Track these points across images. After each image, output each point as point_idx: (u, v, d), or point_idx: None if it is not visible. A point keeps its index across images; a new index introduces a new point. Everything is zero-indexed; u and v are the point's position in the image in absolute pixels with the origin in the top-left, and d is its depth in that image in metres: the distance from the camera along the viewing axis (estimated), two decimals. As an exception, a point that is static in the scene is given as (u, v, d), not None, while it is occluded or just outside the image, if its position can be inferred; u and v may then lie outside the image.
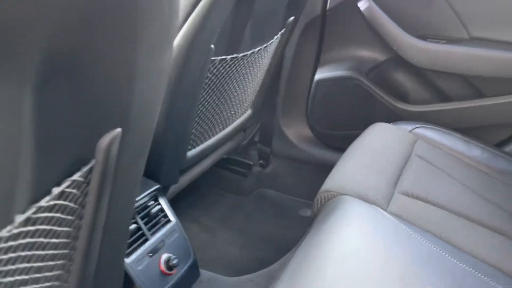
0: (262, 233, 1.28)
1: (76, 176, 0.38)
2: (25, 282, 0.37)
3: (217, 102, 0.89)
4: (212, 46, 0.72)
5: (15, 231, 0.33)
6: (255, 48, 0.92)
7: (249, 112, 1.17)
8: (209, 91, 0.83)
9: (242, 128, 1.19)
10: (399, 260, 0.60)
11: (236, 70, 0.89)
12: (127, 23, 0.32)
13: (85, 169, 0.38)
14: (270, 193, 1.46)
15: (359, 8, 1.17)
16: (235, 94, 0.96)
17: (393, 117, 1.22)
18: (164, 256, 0.70)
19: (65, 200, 0.38)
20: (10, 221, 0.32)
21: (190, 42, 0.67)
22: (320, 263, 0.59)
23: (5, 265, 0.33)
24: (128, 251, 0.66)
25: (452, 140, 1.03)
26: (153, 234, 0.71)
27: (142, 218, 0.70)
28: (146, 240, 0.70)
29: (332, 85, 1.29)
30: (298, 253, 0.66)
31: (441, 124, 1.10)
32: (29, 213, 0.33)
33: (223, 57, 0.80)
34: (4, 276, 0.34)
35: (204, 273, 0.98)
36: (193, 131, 0.86)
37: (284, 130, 1.39)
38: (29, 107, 0.29)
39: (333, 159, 0.96)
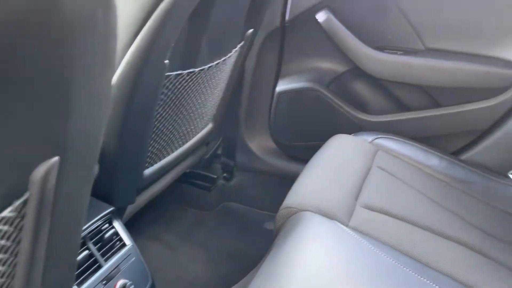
0: (226, 249, 1.25)
1: (7, 212, 0.34)
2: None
3: (174, 117, 0.86)
4: (166, 61, 0.70)
5: None
6: (213, 62, 0.90)
7: (210, 125, 1.14)
8: (166, 107, 0.80)
9: (203, 142, 1.16)
10: (360, 277, 0.59)
11: (194, 85, 0.87)
12: (58, 47, 0.29)
13: (18, 203, 0.35)
14: (235, 207, 1.44)
15: (317, 20, 1.17)
16: (194, 108, 0.94)
17: (354, 127, 1.23)
18: (120, 283, 0.67)
19: (-5, 238, 0.34)
20: None
21: (142, 58, 0.64)
22: (281, 284, 0.57)
23: None
24: (79, 280, 0.62)
25: (411, 150, 1.04)
26: (107, 260, 0.67)
27: (94, 244, 0.66)
28: (100, 267, 0.66)
29: (293, 97, 1.28)
30: (260, 273, 0.64)
31: (401, 134, 1.11)
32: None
33: (179, 72, 0.78)
34: None
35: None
36: (150, 148, 0.83)
37: (247, 142, 1.37)
38: None
39: (297, 171, 0.96)
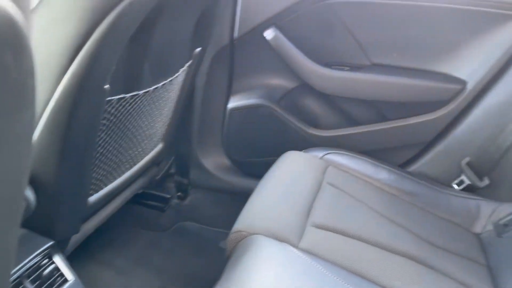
0: (182, 271, 1.22)
1: None
2: None
3: (119, 142, 0.83)
4: (107, 86, 0.67)
5: None
6: (159, 83, 0.88)
7: (160, 146, 1.12)
8: (109, 132, 0.77)
9: (154, 163, 1.13)
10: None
11: (139, 107, 0.84)
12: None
13: None
14: (190, 226, 1.41)
15: (265, 37, 1.18)
16: (140, 131, 0.91)
17: (306, 142, 1.23)
18: (62, 322, 0.63)
19: None
20: None
21: (79, 85, 0.62)
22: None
23: None
24: (15, 323, 0.58)
25: (361, 164, 1.06)
26: (47, 298, 0.63)
27: (32, 282, 0.62)
28: (39, 306, 0.62)
29: (245, 113, 1.28)
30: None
31: (351, 148, 1.13)
32: None
33: (122, 96, 0.75)
34: None
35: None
36: (93, 175, 0.79)
37: (201, 160, 1.36)
38: None
39: (252, 187, 0.95)
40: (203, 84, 1.24)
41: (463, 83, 1.10)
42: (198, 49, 1.03)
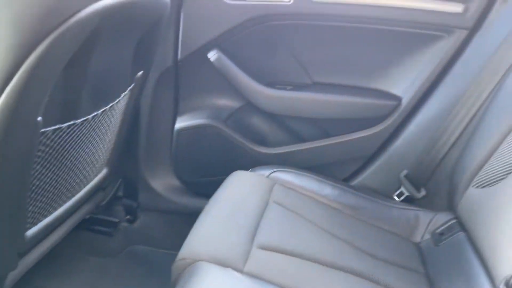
0: (133, 297, 1.20)
1: None
2: None
3: (58, 172, 0.81)
4: (39, 119, 0.66)
5: None
6: (99, 110, 0.87)
7: (105, 171, 1.09)
8: (45, 164, 0.75)
9: (99, 188, 1.11)
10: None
11: (78, 136, 0.82)
12: None
13: None
14: (141, 250, 1.39)
15: (209, 58, 1.19)
16: (81, 159, 0.89)
17: (254, 161, 1.25)
18: None
19: None
20: None
21: (8, 118, 0.60)
22: None
23: None
24: None
25: (306, 181, 1.08)
26: None
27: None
28: None
29: (193, 134, 1.28)
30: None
31: (297, 165, 1.16)
32: None
33: (57, 126, 0.74)
34: None
35: None
36: (30, 208, 0.77)
37: (149, 181, 1.34)
38: None
39: (203, 207, 0.95)
40: (148, 106, 1.23)
41: (398, 99, 1.16)
42: (140, 73, 1.02)
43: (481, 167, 0.91)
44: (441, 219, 1.02)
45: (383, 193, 1.15)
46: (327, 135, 1.23)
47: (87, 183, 1.01)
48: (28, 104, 0.62)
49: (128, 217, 1.39)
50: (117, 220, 1.37)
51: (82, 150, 0.88)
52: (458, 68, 1.08)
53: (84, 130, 0.84)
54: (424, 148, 1.10)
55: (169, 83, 1.24)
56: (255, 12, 1.14)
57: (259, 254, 0.78)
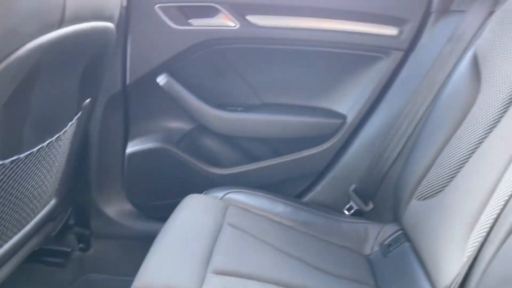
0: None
1: None
2: None
3: (2, 208, 0.79)
4: (-21, 158, 0.64)
5: None
6: (45, 142, 0.85)
7: (53, 201, 1.07)
8: (-12, 201, 0.73)
9: (48, 220, 1.08)
10: None
11: (23, 170, 0.80)
12: None
13: None
14: (96, 278, 1.35)
15: (158, 83, 1.20)
16: (27, 193, 0.87)
17: (208, 182, 1.25)
18: None
19: None
20: None
21: None
22: None
23: None
24: None
25: (259, 200, 1.11)
26: None
27: None
28: None
29: (145, 158, 1.27)
30: None
31: (251, 184, 1.18)
32: None
33: (0, 162, 0.72)
34: None
35: None
36: (-27, 247, 0.74)
37: (102, 207, 1.31)
38: None
39: (158, 231, 0.95)
40: (98, 132, 1.22)
41: (343, 117, 1.22)
42: (88, 100, 1.01)
43: (421, 180, 0.96)
44: (388, 230, 1.07)
45: (333, 208, 1.19)
46: (279, 154, 1.26)
47: (35, 216, 0.98)
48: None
49: (80, 245, 1.35)
50: (69, 249, 1.33)
51: (28, 184, 0.86)
52: (396, 86, 1.15)
53: (30, 164, 0.82)
54: (370, 163, 1.16)
55: (118, 108, 1.23)
56: (202, 37, 1.16)
57: (214, 280, 0.79)
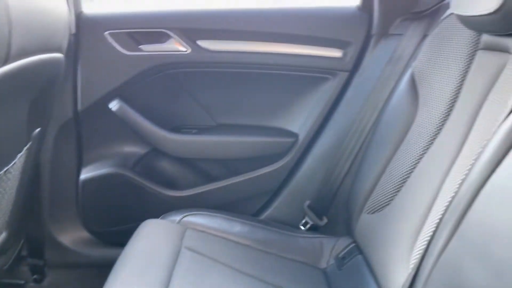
0: None
1: None
2: None
3: None
4: None
5: None
6: (-7, 176, 0.84)
7: (4, 234, 1.03)
8: None
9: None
10: None
11: (-30, 207, 0.78)
12: None
13: None
14: (52, 309, 1.31)
15: (111, 108, 1.19)
16: (-25, 229, 0.84)
17: (166, 205, 1.26)
18: None
19: None
20: None
21: None
22: None
23: None
24: None
25: (216, 221, 1.12)
26: None
27: None
28: None
29: (100, 183, 1.26)
30: None
31: (209, 204, 1.20)
32: None
33: None
34: None
35: None
36: None
37: (56, 236, 1.29)
38: None
39: (116, 256, 0.94)
40: (49, 161, 1.20)
41: (295, 135, 1.26)
42: (37, 130, 0.99)
43: (369, 194, 1.01)
44: (342, 243, 1.12)
45: (290, 224, 1.22)
46: (235, 173, 1.29)
47: (-16, 252, 0.95)
48: None
49: (35, 277, 1.31)
50: (22, 281, 1.29)
51: (-24, 220, 0.83)
52: (343, 105, 1.20)
53: (-23, 200, 0.80)
54: (322, 179, 1.20)
55: (70, 135, 1.22)
56: (153, 62, 1.17)
57: (173, 306, 0.80)
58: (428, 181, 0.83)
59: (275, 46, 1.19)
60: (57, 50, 0.90)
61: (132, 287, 0.82)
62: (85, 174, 1.26)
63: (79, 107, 1.19)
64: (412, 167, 0.89)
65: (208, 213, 1.14)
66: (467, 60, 0.84)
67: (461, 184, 0.67)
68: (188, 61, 1.18)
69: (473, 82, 0.82)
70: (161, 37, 1.17)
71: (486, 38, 0.81)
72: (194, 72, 1.22)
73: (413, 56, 1.05)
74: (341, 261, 1.08)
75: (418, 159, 0.88)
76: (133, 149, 1.27)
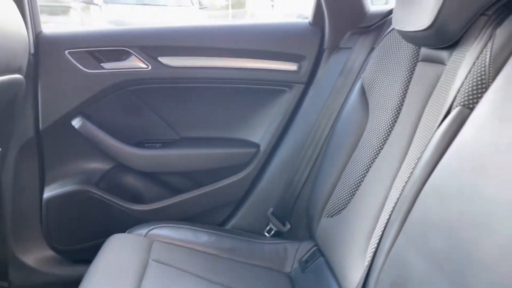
0: None
1: None
2: None
3: None
4: None
5: None
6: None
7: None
8: None
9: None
10: None
11: None
12: None
13: None
14: (18, 332, 1.29)
15: (73, 125, 1.20)
16: None
17: (132, 219, 1.27)
18: None
19: None
20: None
21: None
22: None
23: None
24: None
25: (183, 233, 1.15)
26: None
27: None
28: None
29: (64, 201, 1.26)
30: None
31: (176, 216, 1.22)
32: None
33: None
34: None
35: None
36: None
37: (20, 257, 1.27)
38: None
39: (83, 274, 0.95)
40: (11, 181, 1.19)
41: (257, 146, 1.31)
42: (-2, 150, 1.00)
43: (328, 199, 1.07)
44: (305, 247, 1.17)
45: (255, 232, 1.26)
46: (199, 185, 1.32)
47: None
48: None
49: (-1, 299, 1.29)
50: (-14, 305, 1.26)
51: None
52: (301, 115, 1.26)
53: None
54: (284, 187, 1.25)
55: (32, 154, 1.22)
56: (115, 79, 1.19)
57: (142, 317, 0.82)
58: (379, 184, 0.89)
59: (233, 61, 1.24)
60: (17, 71, 0.91)
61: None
62: (49, 192, 1.25)
63: (41, 126, 1.19)
64: (365, 171, 0.95)
65: (174, 225, 1.17)
66: (409, 71, 0.91)
67: (405, 185, 0.73)
68: (149, 78, 1.21)
69: (415, 91, 0.89)
70: (121, 55, 1.19)
71: (424, 51, 0.88)
72: (156, 88, 1.25)
73: (362, 68, 1.12)
74: (304, 264, 1.12)
75: (370, 164, 0.94)
76: (97, 165, 1.28)
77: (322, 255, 1.09)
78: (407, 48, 0.92)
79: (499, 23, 0.67)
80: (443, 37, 0.76)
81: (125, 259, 1.00)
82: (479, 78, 0.65)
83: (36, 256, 1.29)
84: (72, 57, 1.16)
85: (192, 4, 5.74)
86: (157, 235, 1.12)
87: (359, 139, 1.01)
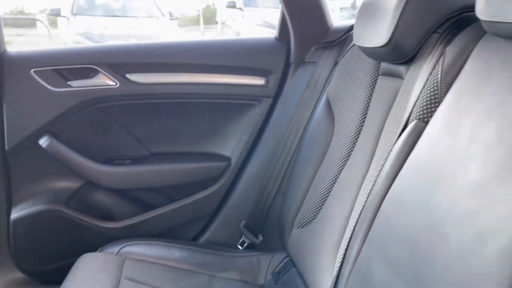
0: None
1: None
2: None
3: None
4: None
5: None
6: None
7: None
8: None
9: None
10: None
11: None
12: None
13: None
14: None
15: (41, 145, 1.19)
16: None
17: (103, 237, 1.25)
18: None
19: None
20: None
21: None
22: None
23: None
24: None
25: (155, 249, 1.14)
26: None
27: None
28: None
29: (32, 222, 1.24)
30: None
31: (148, 233, 1.21)
32: None
33: None
34: None
35: None
36: None
37: (-13, 281, 1.24)
38: None
39: None
40: (-23, 202, 1.16)
41: (228, 159, 1.32)
42: (-38, 173, 0.98)
43: (298, 210, 1.09)
44: (278, 258, 1.18)
45: (228, 245, 1.27)
46: (171, 200, 1.32)
47: None
48: None
49: (-35, 325, 1.25)
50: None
51: None
52: (270, 128, 1.29)
53: None
54: (255, 199, 1.27)
55: (-1, 174, 1.19)
56: (82, 97, 1.19)
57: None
58: (346, 195, 0.92)
59: (202, 76, 1.25)
60: (-19, 92, 0.90)
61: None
62: (17, 212, 1.23)
63: (6, 146, 1.17)
64: (332, 183, 0.98)
65: (146, 241, 1.16)
66: (371, 84, 0.95)
67: (368, 197, 0.76)
68: (117, 95, 1.21)
69: (376, 104, 0.93)
70: (89, 73, 1.19)
71: (384, 65, 0.92)
72: (125, 104, 1.25)
73: (327, 81, 1.16)
74: (277, 275, 1.14)
75: (337, 175, 0.97)
76: (66, 184, 1.26)
77: (294, 265, 1.11)
78: (368, 63, 0.96)
79: (449, 41, 0.71)
80: (399, 53, 0.80)
81: (96, 278, 0.99)
82: (432, 93, 0.69)
83: (4, 279, 1.26)
84: (38, 76, 1.15)
85: (163, 15, 5.73)
86: (129, 252, 1.11)
87: (325, 151, 1.04)
